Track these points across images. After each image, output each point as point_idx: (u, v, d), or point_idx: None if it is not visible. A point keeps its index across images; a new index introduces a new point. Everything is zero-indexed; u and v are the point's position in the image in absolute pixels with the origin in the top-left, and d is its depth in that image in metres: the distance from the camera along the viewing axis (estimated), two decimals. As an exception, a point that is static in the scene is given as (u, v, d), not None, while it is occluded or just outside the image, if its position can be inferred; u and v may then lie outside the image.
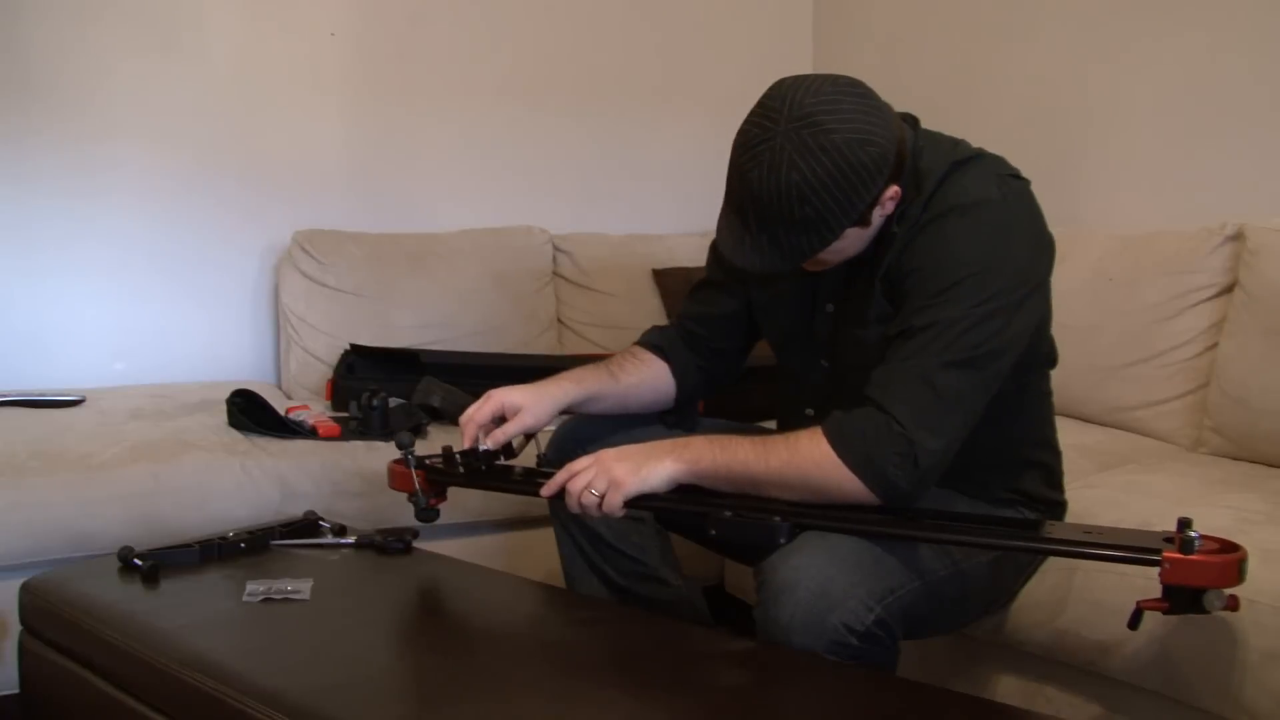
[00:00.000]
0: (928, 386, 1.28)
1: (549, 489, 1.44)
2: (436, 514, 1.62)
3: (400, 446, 1.58)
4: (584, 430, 1.61)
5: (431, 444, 2.08)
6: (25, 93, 2.52)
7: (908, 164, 1.37)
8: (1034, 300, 1.37)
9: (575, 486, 1.39)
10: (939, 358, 1.29)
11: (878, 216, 1.36)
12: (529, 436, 1.63)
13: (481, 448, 1.56)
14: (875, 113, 1.31)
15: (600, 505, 1.38)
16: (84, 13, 2.55)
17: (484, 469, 1.56)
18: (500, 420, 1.56)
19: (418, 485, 1.57)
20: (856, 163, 1.27)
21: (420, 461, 1.59)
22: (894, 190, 1.34)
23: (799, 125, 1.27)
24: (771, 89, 1.32)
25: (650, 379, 1.66)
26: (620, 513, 1.39)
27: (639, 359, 1.67)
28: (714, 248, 1.68)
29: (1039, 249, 1.39)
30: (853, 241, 1.37)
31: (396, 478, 1.61)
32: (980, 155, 1.42)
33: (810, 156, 1.26)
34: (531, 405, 1.54)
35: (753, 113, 1.32)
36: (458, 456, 1.57)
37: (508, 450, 1.58)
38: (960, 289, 1.31)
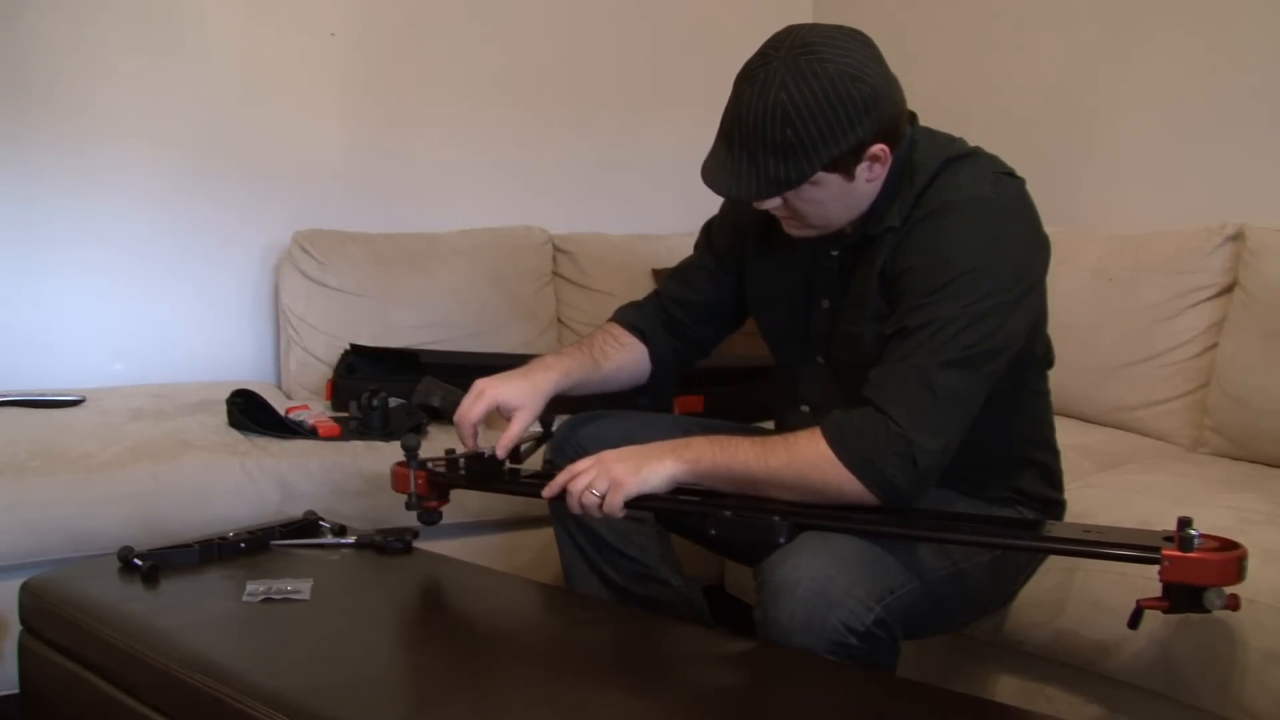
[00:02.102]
0: (924, 386, 1.28)
1: (550, 490, 1.44)
2: (439, 516, 1.63)
3: (406, 449, 1.58)
4: (584, 431, 1.61)
5: (431, 443, 2.07)
6: (25, 93, 2.52)
7: (903, 145, 1.38)
8: (1029, 299, 1.37)
9: (576, 487, 1.40)
10: (935, 357, 1.29)
11: (863, 178, 1.36)
12: (540, 442, 1.63)
13: (485, 453, 1.56)
14: (874, 62, 1.33)
15: (601, 506, 1.38)
16: (84, 13, 2.55)
17: (487, 471, 1.57)
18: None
19: (413, 487, 1.58)
20: (846, 95, 1.29)
21: (422, 464, 1.59)
22: (881, 148, 1.34)
23: (797, 53, 1.30)
24: (782, 29, 1.35)
25: (630, 363, 1.67)
26: (621, 513, 1.39)
27: (619, 342, 1.67)
28: (706, 230, 1.69)
29: (1034, 247, 1.39)
30: (834, 197, 1.36)
31: (399, 480, 1.61)
32: (975, 152, 1.42)
33: (801, 80, 1.28)
34: (527, 402, 1.55)
35: (759, 48, 1.35)
36: (461, 461, 1.58)
37: (514, 455, 1.58)
38: (955, 287, 1.30)
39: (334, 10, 2.81)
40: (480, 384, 1.56)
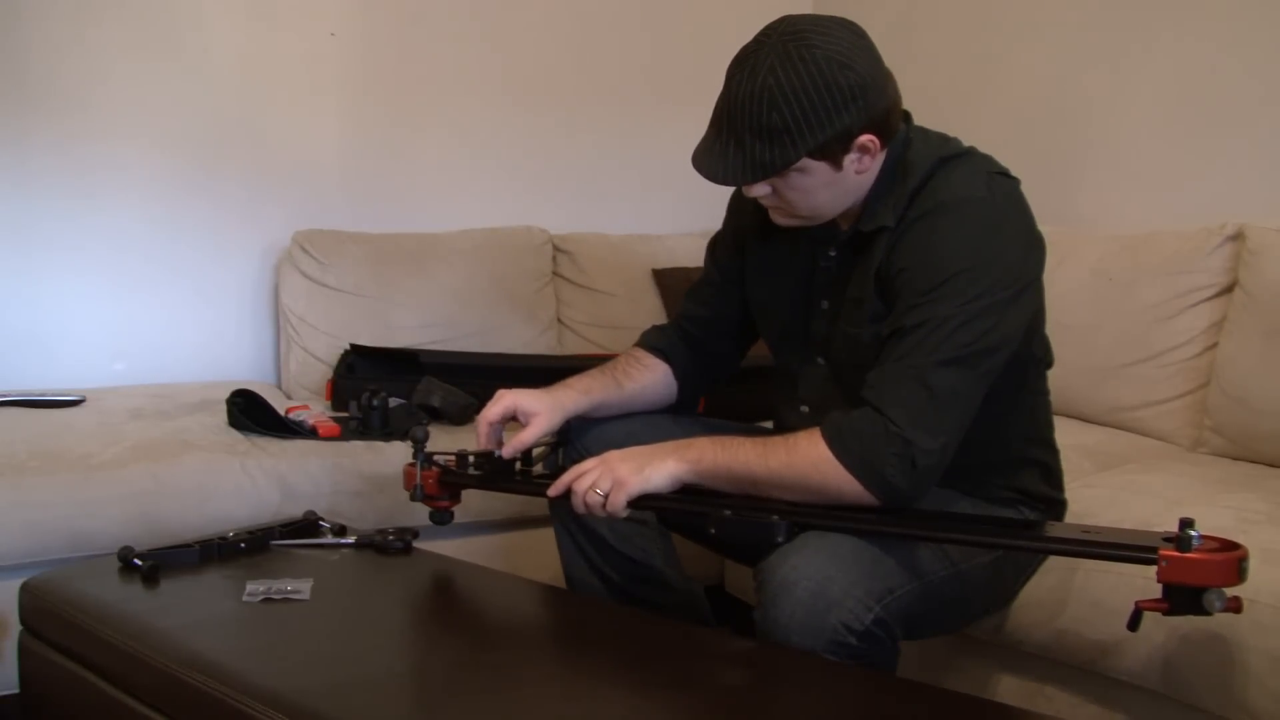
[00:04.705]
0: (922, 386, 1.28)
1: (555, 489, 1.45)
2: (450, 516, 1.64)
3: (414, 440, 1.58)
4: (589, 432, 1.61)
5: (431, 444, 2.07)
6: (25, 93, 2.51)
7: (897, 143, 1.38)
8: (1026, 298, 1.37)
9: (580, 486, 1.40)
10: (932, 356, 1.29)
11: (852, 168, 1.36)
12: (554, 448, 1.64)
13: (496, 454, 1.57)
14: (865, 51, 1.33)
15: (605, 505, 1.38)
16: (83, 13, 2.55)
17: (495, 470, 1.58)
18: (509, 419, 1.58)
19: (419, 478, 1.58)
20: (832, 81, 1.29)
21: (429, 457, 1.60)
22: (870, 139, 1.34)
23: (788, 39, 1.31)
24: (777, 18, 1.36)
25: (653, 383, 1.66)
26: (624, 513, 1.39)
27: (641, 363, 1.67)
28: (711, 247, 1.69)
29: (1029, 247, 1.39)
30: (822, 185, 1.36)
31: (411, 479, 1.62)
32: (969, 152, 1.42)
33: (789, 65, 1.29)
34: (546, 412, 1.55)
35: (754, 35, 1.36)
36: (471, 459, 1.58)
37: (526, 457, 1.59)
38: (950, 286, 1.31)
39: (334, 10, 2.81)
40: (502, 391, 1.58)
